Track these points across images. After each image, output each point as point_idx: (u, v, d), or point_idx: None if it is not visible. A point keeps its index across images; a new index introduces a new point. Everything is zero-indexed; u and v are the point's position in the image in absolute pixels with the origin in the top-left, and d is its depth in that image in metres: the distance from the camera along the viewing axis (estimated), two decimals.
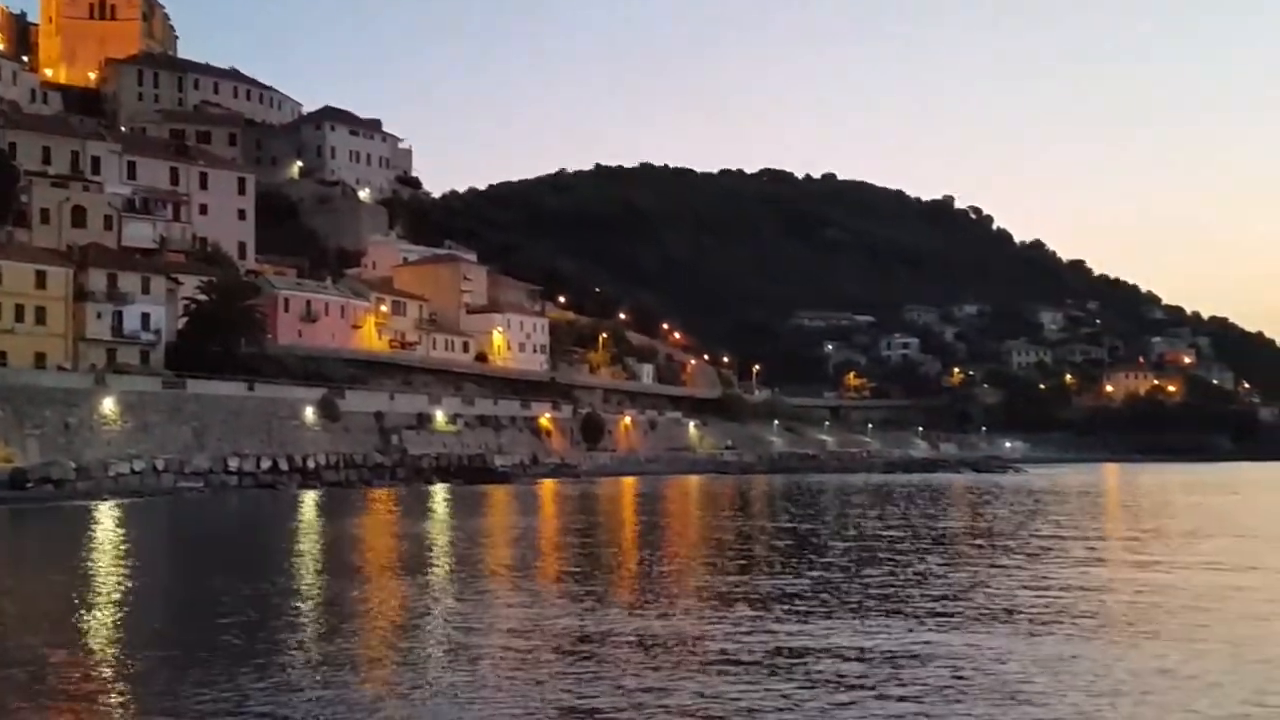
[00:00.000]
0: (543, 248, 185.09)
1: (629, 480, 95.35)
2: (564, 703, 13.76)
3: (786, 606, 19.88)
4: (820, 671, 15.70)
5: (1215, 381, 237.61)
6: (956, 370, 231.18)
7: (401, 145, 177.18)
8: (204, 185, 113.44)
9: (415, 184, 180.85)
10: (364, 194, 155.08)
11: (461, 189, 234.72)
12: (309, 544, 36.70)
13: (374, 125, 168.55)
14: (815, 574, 26.15)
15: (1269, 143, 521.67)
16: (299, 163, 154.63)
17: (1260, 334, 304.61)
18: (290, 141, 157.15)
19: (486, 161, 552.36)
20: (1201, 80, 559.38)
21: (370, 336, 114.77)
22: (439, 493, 71.58)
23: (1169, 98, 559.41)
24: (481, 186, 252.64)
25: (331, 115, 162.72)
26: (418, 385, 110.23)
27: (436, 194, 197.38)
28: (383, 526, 44.11)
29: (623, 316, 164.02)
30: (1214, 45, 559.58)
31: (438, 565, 28.96)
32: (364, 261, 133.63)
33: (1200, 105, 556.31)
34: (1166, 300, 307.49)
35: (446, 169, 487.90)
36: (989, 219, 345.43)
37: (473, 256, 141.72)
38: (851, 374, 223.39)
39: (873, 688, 14.95)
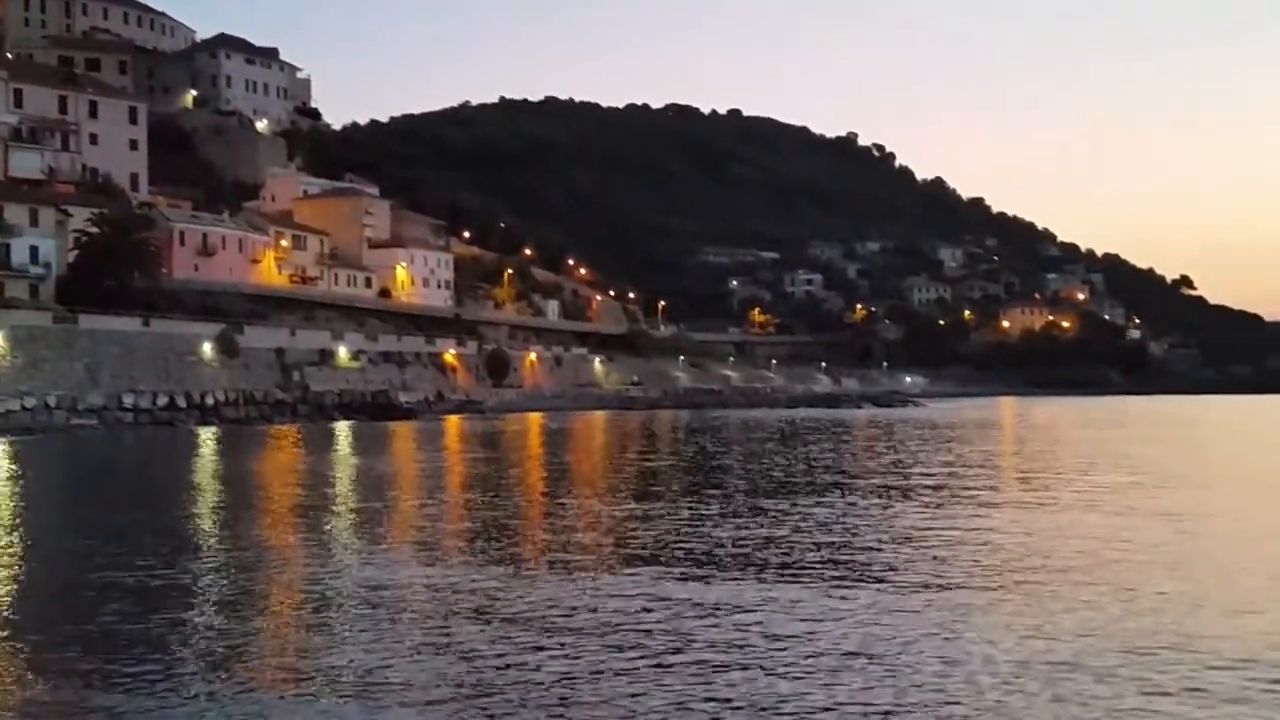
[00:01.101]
0: (447, 182, 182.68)
1: (535, 416, 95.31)
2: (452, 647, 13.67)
3: (685, 565, 19.77)
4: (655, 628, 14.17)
5: (1107, 317, 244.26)
6: (859, 307, 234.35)
7: (300, 75, 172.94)
8: (94, 114, 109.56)
9: (315, 115, 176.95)
10: (261, 125, 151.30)
11: (363, 121, 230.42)
12: (206, 482, 36.11)
13: (271, 54, 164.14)
14: (705, 515, 26.37)
15: (1160, 83, 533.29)
16: (193, 92, 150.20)
17: (1150, 270, 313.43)
18: (184, 70, 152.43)
19: (388, 93, 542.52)
20: (1095, 22, 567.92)
21: (270, 271, 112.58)
22: (342, 430, 70.87)
23: (1065, 39, 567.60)
24: (383, 119, 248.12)
25: (226, 43, 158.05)
26: (320, 321, 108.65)
27: (337, 126, 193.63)
28: (284, 464, 43.54)
29: (528, 252, 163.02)
30: None
31: (338, 505, 28.66)
32: (262, 194, 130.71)
33: (1093, 46, 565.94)
34: (1062, 238, 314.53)
35: (347, 100, 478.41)
36: (891, 156, 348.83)
37: (375, 190, 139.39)
38: (756, 310, 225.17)
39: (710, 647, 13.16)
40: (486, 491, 30.90)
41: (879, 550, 19.53)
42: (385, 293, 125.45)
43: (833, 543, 20.52)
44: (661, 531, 21.42)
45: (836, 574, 17.47)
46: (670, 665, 12.18)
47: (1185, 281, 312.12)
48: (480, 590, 16.24)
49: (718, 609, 14.90)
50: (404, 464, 43.20)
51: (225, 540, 21.81)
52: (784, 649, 12.93)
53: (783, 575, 17.37)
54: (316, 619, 14.81)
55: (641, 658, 12.51)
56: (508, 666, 12.21)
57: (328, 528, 22.98)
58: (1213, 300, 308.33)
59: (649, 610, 14.91)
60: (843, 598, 15.67)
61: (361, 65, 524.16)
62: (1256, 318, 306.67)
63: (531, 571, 17.78)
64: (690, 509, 25.04)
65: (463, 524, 23.65)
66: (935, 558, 18.75)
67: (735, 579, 17.11)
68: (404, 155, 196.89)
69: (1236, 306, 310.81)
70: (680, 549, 19.77)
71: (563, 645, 13.09)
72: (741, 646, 12.99)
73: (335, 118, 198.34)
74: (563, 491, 31.19)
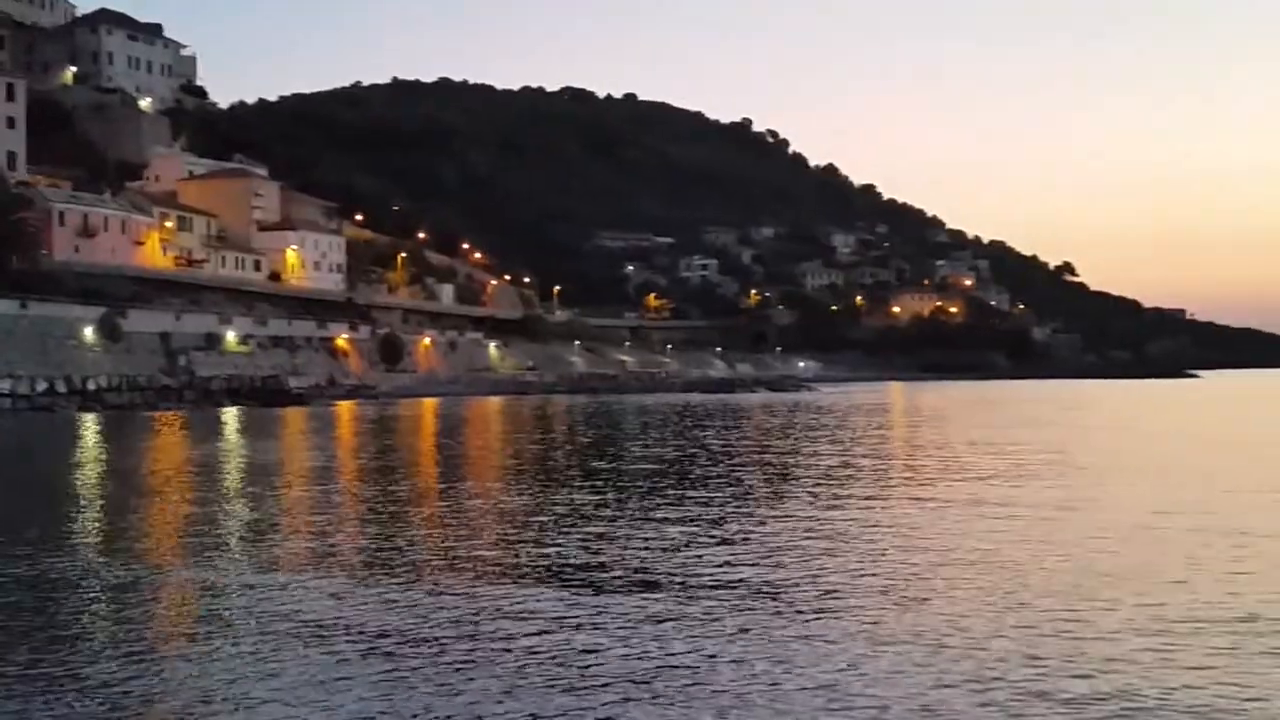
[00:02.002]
0: (338, 164, 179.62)
1: (429, 402, 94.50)
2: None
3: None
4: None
5: (993, 303, 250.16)
6: (753, 292, 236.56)
7: (185, 52, 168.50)
8: None
9: (201, 94, 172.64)
10: (145, 103, 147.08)
11: (251, 100, 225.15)
12: (87, 468, 35.15)
13: (155, 30, 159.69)
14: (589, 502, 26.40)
15: (1044, 73, 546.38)
16: (73, 69, 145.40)
17: (1034, 257, 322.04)
18: (63, 46, 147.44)
19: (277, 72, 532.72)
20: (984, 12, 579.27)
21: (154, 253, 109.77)
22: (230, 416, 69.50)
23: (954, 28, 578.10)
24: (272, 98, 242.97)
25: (108, 18, 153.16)
26: (206, 305, 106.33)
27: (224, 105, 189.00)
28: (166, 451, 42.55)
29: (422, 236, 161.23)
30: None
31: (222, 489, 28.12)
32: (146, 174, 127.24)
33: (980, 35, 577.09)
34: (950, 225, 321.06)
35: (235, 79, 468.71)
36: (785, 143, 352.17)
37: (264, 171, 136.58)
38: (652, 295, 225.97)
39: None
40: (365, 485, 30.51)
41: (755, 562, 16.98)
42: (275, 276, 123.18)
43: (718, 549, 18.37)
44: (538, 534, 19.97)
45: (701, 586, 15.14)
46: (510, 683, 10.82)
47: (1067, 268, 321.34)
48: (315, 604, 14.31)
49: (566, 624, 12.87)
50: (291, 452, 42.53)
51: (75, 538, 20.28)
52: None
53: (672, 591, 14.86)
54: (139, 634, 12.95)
55: (483, 674, 11.11)
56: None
57: (192, 526, 22.19)
58: (1094, 287, 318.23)
59: (501, 621, 13.15)
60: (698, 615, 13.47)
61: (249, 43, 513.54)
62: (1135, 304, 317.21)
63: (389, 583, 15.62)
64: (570, 506, 24.57)
65: (301, 521, 22.79)
66: (809, 572, 16.19)
67: (596, 590, 14.93)
68: (294, 136, 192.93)
69: (1116, 293, 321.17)
70: (552, 555, 17.74)
71: (371, 664, 11.41)
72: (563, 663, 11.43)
73: (222, 96, 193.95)
74: (446, 484, 30.93)
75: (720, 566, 16.49)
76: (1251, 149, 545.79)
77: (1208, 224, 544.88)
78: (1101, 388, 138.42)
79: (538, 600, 14.38)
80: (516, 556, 17.62)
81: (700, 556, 17.33)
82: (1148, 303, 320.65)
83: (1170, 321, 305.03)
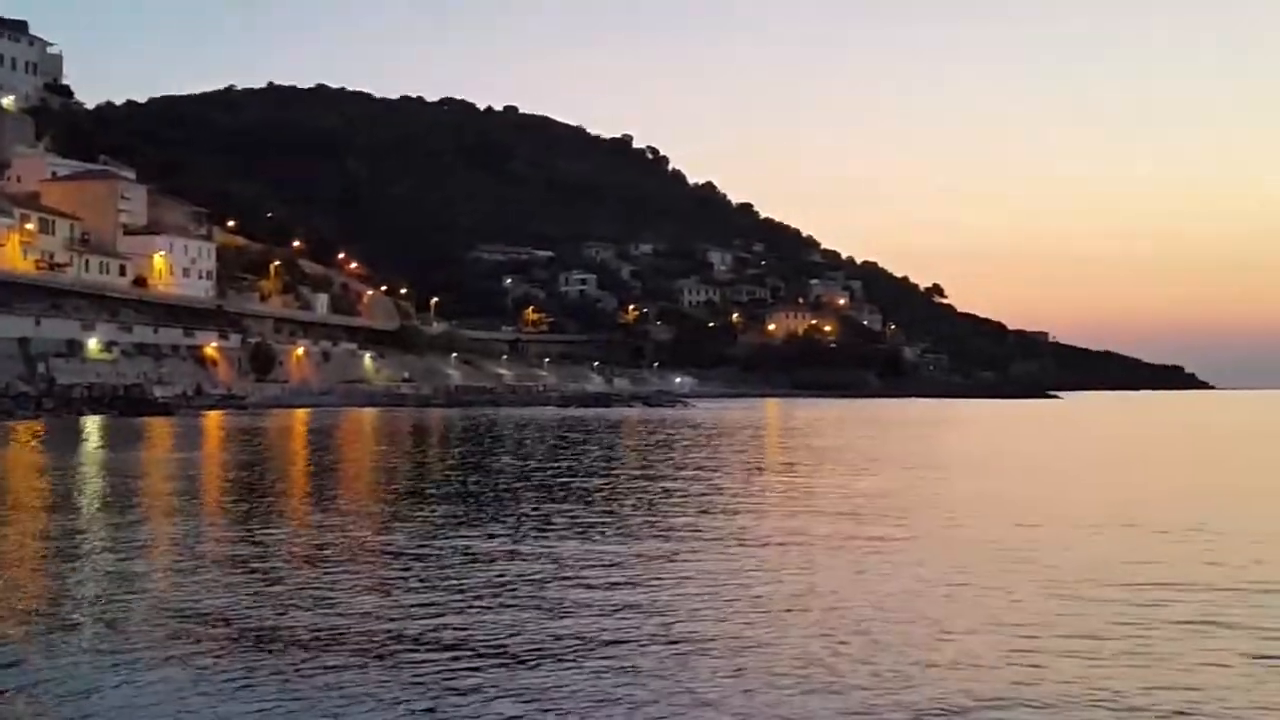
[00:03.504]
0: (210, 168, 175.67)
1: (301, 413, 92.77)
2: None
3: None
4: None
5: (866, 322, 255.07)
6: (632, 307, 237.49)
7: (51, 50, 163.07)
8: None
9: (66, 93, 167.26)
10: (7, 101, 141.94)
11: (119, 101, 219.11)
12: None
13: (19, 27, 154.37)
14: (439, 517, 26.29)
15: (912, 98, 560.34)
16: None
17: (905, 278, 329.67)
18: None
19: (147, 73, 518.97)
20: (857, 34, 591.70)
21: (14, 256, 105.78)
22: (92, 425, 67.28)
23: (828, 50, 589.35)
24: (142, 99, 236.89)
25: None
26: (68, 310, 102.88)
27: (90, 105, 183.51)
28: (19, 462, 41.05)
29: (297, 244, 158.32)
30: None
31: (78, 505, 27.23)
32: (7, 175, 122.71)
33: (853, 58, 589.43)
34: (825, 245, 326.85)
35: (103, 79, 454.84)
36: (665, 159, 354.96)
37: (131, 174, 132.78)
38: (530, 308, 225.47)
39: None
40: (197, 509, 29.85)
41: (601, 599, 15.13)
42: (141, 281, 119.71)
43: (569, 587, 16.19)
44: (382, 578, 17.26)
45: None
46: None
47: (937, 290, 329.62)
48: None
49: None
50: (134, 466, 41.36)
51: None
52: None
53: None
54: None
55: None
56: None
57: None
58: (961, 309, 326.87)
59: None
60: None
61: (119, 43, 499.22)
62: (1000, 326, 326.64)
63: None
64: (413, 536, 24.26)
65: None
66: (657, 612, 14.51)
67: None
68: (164, 138, 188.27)
69: (983, 315, 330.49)
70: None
71: None
72: None
73: (89, 96, 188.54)
74: (290, 506, 30.41)
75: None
76: (1112, 172, 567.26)
77: (1069, 248, 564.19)
78: (968, 407, 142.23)
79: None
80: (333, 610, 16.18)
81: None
82: (1012, 325, 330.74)
83: (1033, 343, 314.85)
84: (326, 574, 17.04)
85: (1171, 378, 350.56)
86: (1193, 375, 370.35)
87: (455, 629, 13.40)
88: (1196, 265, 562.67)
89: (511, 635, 13.06)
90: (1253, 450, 58.38)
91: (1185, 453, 56.72)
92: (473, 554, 19.08)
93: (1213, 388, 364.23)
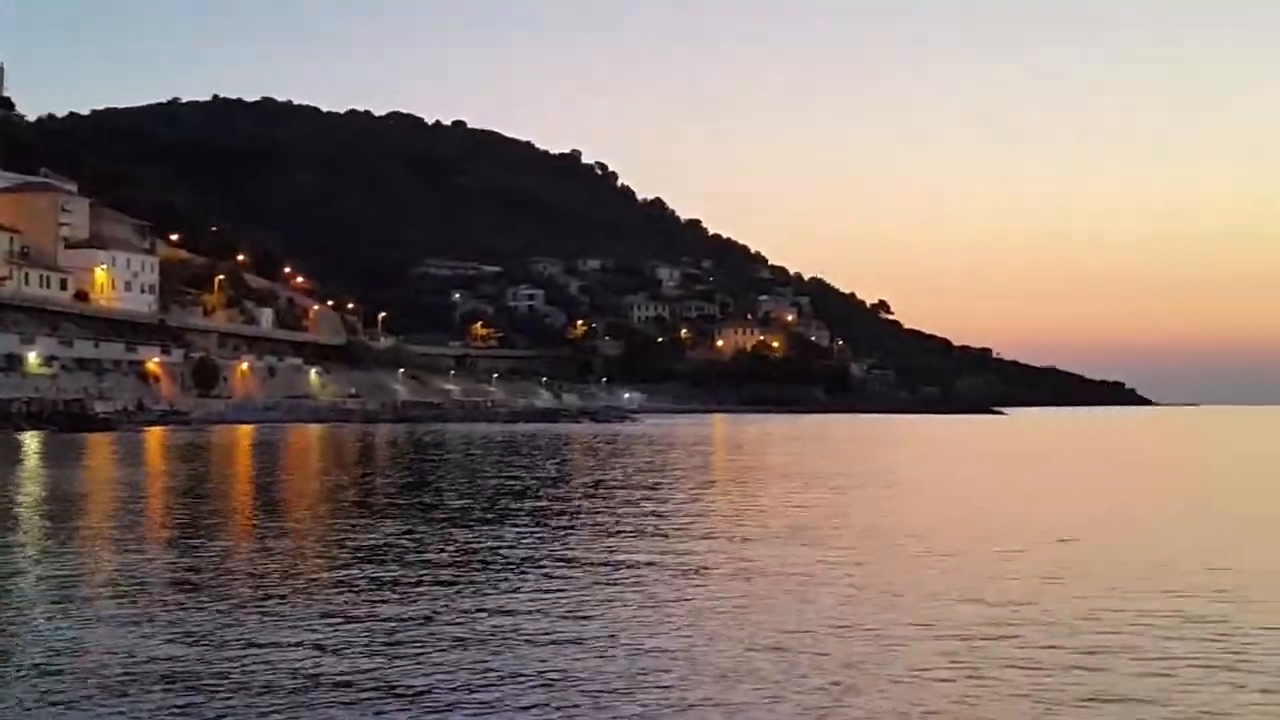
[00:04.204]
0: (154, 181, 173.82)
1: (245, 429, 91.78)
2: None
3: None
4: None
5: (813, 338, 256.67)
6: (580, 323, 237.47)
7: None
8: None
9: (8, 105, 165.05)
10: None
11: (61, 113, 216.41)
12: None
13: None
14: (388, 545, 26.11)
15: (857, 114, 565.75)
16: None
17: (853, 295, 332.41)
18: None
19: (89, 86, 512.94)
20: (808, 54, 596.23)
21: None
22: (30, 441, 66.16)
23: (776, 70, 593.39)
24: (84, 112, 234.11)
25: None
26: (7, 324, 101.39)
27: (31, 117, 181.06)
28: None
29: (241, 258, 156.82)
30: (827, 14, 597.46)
31: (9, 524, 26.77)
32: None
33: (801, 77, 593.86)
34: (773, 261, 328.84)
35: (44, 91, 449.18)
36: (614, 175, 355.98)
37: (73, 187, 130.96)
38: (478, 324, 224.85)
39: None
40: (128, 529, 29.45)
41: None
42: (82, 295, 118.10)
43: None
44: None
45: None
46: None
47: (883, 306, 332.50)
48: None
49: None
50: (73, 483, 40.75)
51: None
52: None
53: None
54: None
55: None
56: None
57: None
58: (907, 325, 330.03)
59: None
60: None
61: (60, 55, 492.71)
62: (946, 342, 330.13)
63: None
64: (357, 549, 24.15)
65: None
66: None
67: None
68: (107, 151, 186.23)
69: (928, 331, 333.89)
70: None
71: None
72: None
73: (30, 108, 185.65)
74: (228, 522, 30.09)
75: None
76: (1055, 192, 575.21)
77: (1013, 265, 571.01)
78: (913, 422, 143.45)
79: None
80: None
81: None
82: (957, 341, 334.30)
83: (978, 360, 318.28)
84: (248, 610, 15.77)
85: (1113, 394, 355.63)
86: (1133, 391, 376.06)
87: (378, 668, 12.43)
88: (1136, 283, 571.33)
89: (438, 674, 12.24)
90: (1189, 471, 59.30)
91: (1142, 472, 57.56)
92: (407, 583, 18.78)
93: (1153, 404, 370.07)
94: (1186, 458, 69.94)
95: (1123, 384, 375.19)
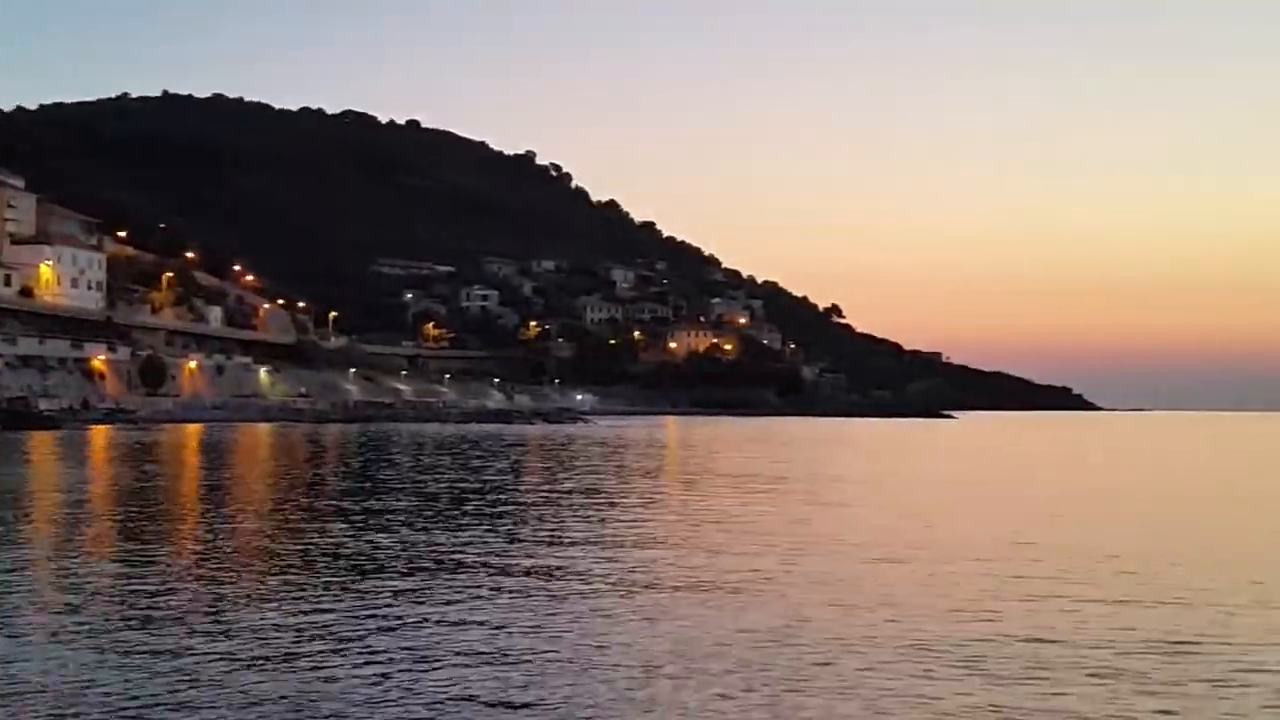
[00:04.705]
0: (102, 177, 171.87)
1: (193, 428, 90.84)
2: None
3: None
4: None
5: (766, 341, 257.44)
6: (533, 323, 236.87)
7: None
8: None
9: None
10: None
11: (8, 107, 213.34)
12: None
13: None
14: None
15: (808, 118, 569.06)
16: None
17: (805, 298, 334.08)
18: None
19: (36, 80, 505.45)
20: (755, 59, 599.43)
21: None
22: None
23: (731, 73, 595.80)
24: (32, 106, 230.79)
25: None
26: None
27: None
28: None
29: (191, 255, 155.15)
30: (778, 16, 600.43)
31: None
32: None
33: (755, 81, 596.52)
34: (726, 264, 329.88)
35: None
36: (568, 176, 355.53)
37: (20, 182, 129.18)
38: (431, 324, 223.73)
39: None
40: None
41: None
42: (27, 292, 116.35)
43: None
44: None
45: None
46: None
47: (835, 310, 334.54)
48: None
49: None
50: (14, 482, 40.23)
51: None
52: None
53: None
54: None
55: None
56: None
57: None
58: (859, 329, 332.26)
59: None
60: None
61: (8, 48, 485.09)
62: (896, 346, 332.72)
63: None
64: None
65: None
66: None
67: None
68: (54, 146, 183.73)
69: (880, 335, 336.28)
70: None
71: None
72: None
73: None
74: (160, 525, 29.83)
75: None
76: (1002, 197, 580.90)
77: (964, 270, 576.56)
78: (865, 425, 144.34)
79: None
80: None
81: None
82: (908, 345, 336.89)
83: (928, 363, 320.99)
84: (170, 624, 14.99)
85: (1060, 398, 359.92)
86: (1080, 396, 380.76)
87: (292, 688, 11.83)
88: (1083, 288, 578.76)
89: (353, 694, 11.65)
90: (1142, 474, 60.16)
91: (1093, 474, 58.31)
92: (334, 592, 18.62)
93: (1099, 408, 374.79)
94: (1094, 460, 70.94)
95: (1069, 389, 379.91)
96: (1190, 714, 11.33)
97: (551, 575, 19.20)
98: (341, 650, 13.44)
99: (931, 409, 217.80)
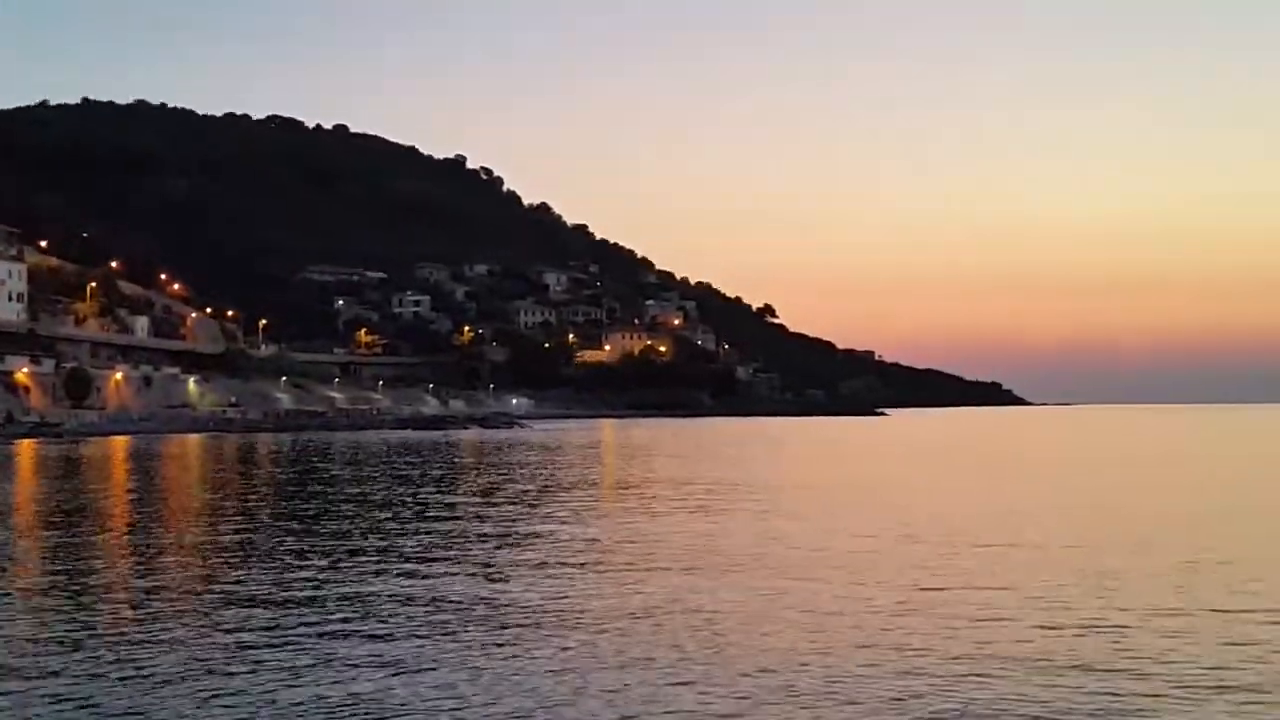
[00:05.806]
0: (20, 186, 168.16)
1: (120, 440, 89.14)
2: None
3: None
4: None
5: (700, 342, 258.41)
6: (467, 329, 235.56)
7: None
8: None
9: None
10: None
11: None
12: None
13: None
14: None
15: (740, 118, 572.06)
16: None
17: (738, 299, 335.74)
18: None
19: None
20: (684, 59, 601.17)
21: None
22: None
23: (658, 75, 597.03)
24: None
25: None
26: None
27: None
28: None
29: (115, 264, 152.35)
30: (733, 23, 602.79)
31: None
32: None
33: (685, 82, 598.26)
34: (659, 266, 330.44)
35: None
36: (499, 180, 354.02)
37: None
38: (363, 330, 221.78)
39: None
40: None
41: None
42: None
43: None
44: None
45: None
46: None
47: (768, 310, 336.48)
48: None
49: None
50: None
51: None
52: None
53: None
54: None
55: None
56: None
57: None
58: (792, 329, 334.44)
59: None
60: None
61: None
62: (830, 345, 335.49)
63: None
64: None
65: None
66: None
67: None
68: None
69: (813, 335, 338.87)
70: None
71: None
72: None
73: None
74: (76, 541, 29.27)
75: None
76: (932, 195, 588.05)
77: (894, 269, 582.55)
78: (799, 425, 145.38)
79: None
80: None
81: None
82: (841, 344, 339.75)
83: (861, 362, 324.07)
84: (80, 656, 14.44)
85: (990, 394, 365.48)
86: (1009, 391, 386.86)
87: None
88: (1010, 286, 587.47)
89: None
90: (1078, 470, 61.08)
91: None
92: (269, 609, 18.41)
93: (1028, 403, 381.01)
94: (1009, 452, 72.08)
95: (999, 384, 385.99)
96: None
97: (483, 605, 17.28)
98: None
99: (865, 407, 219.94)
